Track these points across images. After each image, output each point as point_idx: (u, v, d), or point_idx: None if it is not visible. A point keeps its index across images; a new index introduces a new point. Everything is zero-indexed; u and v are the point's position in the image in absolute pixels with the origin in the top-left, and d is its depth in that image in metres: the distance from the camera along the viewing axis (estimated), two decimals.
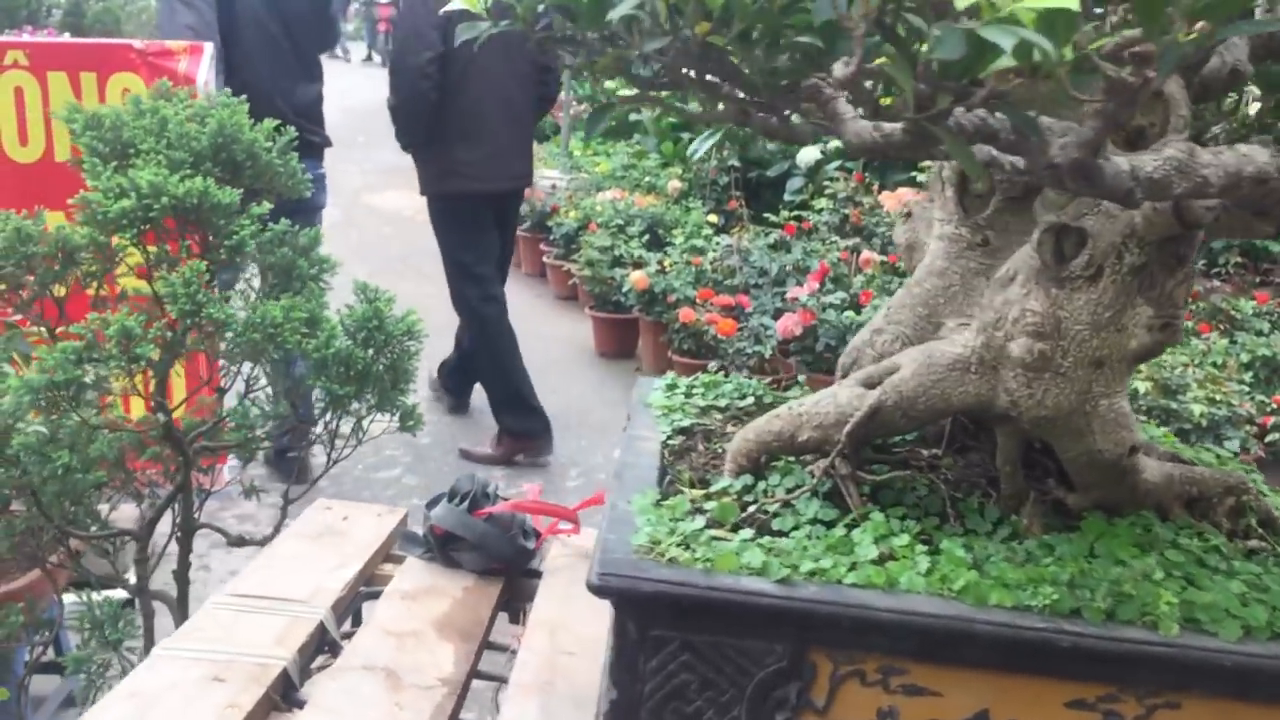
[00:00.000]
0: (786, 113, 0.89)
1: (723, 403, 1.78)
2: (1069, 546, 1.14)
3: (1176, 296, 1.07)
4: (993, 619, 1.02)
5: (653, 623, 1.04)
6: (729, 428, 1.65)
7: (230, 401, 2.36)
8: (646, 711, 1.05)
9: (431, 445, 4.97)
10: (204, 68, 3.48)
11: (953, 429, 1.33)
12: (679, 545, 1.11)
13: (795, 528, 1.21)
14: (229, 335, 1.96)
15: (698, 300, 5.64)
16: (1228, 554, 1.14)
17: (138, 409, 2.35)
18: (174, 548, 2.37)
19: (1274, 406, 4.67)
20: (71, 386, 1.86)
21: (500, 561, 1.70)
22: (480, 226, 4.77)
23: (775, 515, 1.24)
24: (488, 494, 1.74)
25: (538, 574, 1.76)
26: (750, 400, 1.80)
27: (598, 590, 1.03)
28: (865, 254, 5.78)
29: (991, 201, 1.41)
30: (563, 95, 12.68)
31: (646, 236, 6.49)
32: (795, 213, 6.37)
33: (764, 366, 5.50)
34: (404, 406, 2.38)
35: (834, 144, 7.51)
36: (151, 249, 2.05)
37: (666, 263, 5.97)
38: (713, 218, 6.94)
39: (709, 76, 0.92)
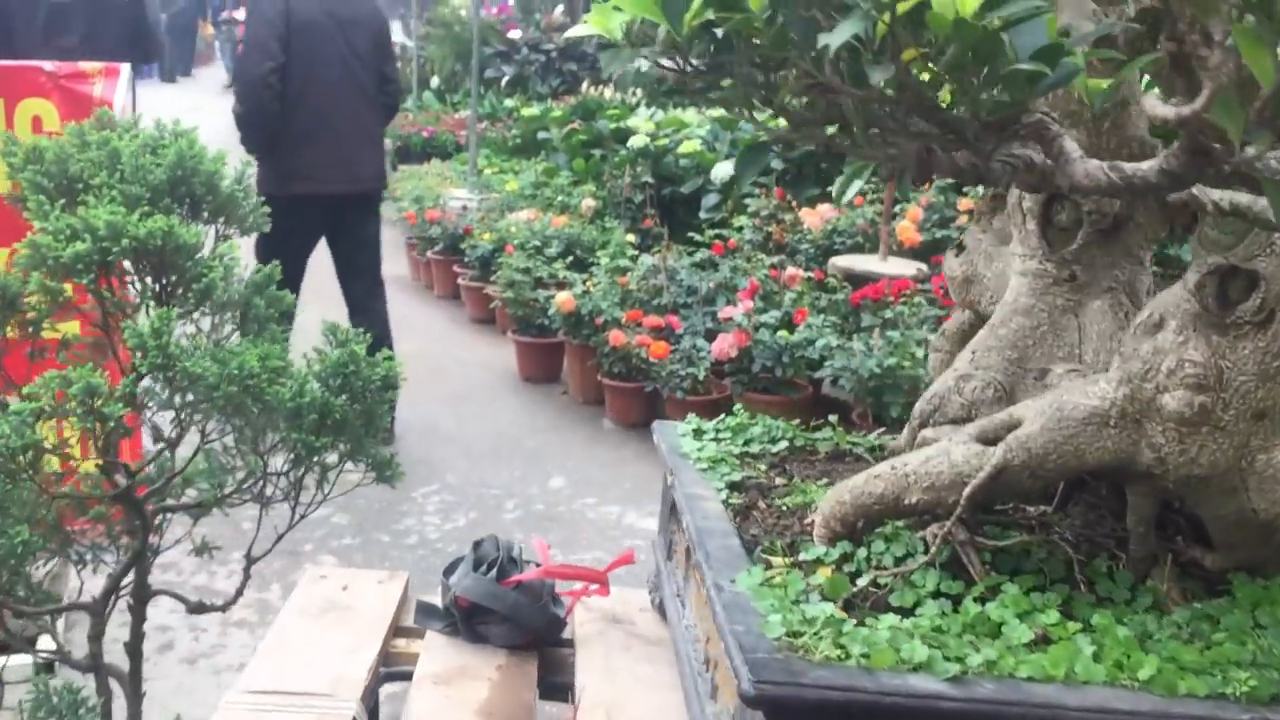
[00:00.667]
0: (991, 150, 0.78)
1: (756, 448, 1.67)
2: (1232, 617, 1.04)
3: None
4: (1190, 712, 0.91)
5: None
6: (777, 480, 1.54)
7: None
8: None
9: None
10: (121, 90, 3.24)
11: (1066, 484, 1.23)
12: (816, 637, 0.98)
13: (917, 603, 1.10)
14: (202, 389, 1.77)
15: (626, 321, 5.52)
16: None
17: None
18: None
19: None
20: (29, 452, 1.66)
21: (534, 634, 1.55)
22: (302, 238, 4.89)
23: (890, 589, 1.12)
24: (514, 559, 1.59)
25: (567, 643, 1.61)
26: (784, 444, 1.69)
27: (754, 701, 0.90)
28: (791, 271, 5.72)
29: (1079, 235, 1.32)
30: (466, 114, 12.45)
31: (570, 258, 6.36)
32: (716, 231, 6.29)
33: (697, 388, 5.40)
34: (379, 456, 2.21)
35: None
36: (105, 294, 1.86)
37: (591, 284, 5.84)
38: (630, 236, 6.83)
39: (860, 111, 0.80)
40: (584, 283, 5.84)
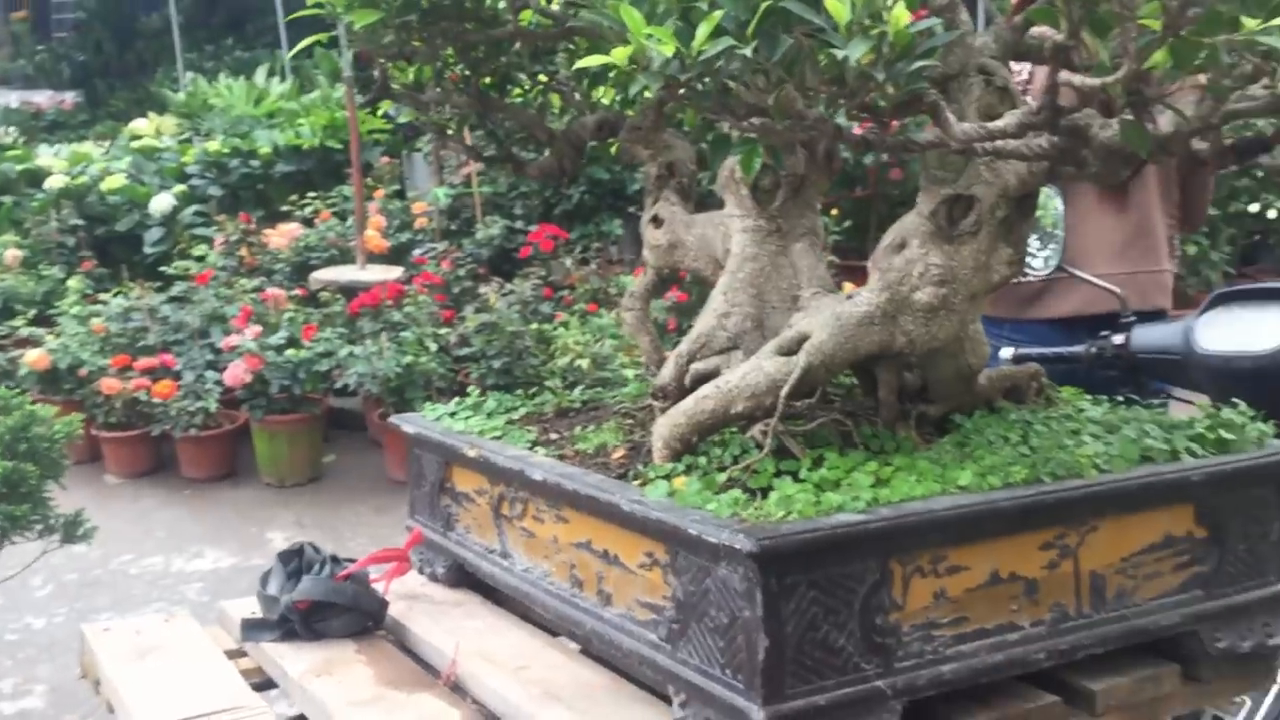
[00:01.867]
0: (894, 123, 1.12)
1: (502, 418, 1.90)
2: (975, 440, 1.49)
3: (1024, 238, 1.46)
4: (1004, 497, 1.34)
5: (787, 571, 1.21)
6: (553, 435, 1.78)
7: None
8: (790, 648, 1.22)
9: None
10: None
11: None
12: (754, 511, 1.28)
13: (769, 483, 1.42)
14: None
15: (115, 368, 5.24)
16: (1066, 421, 1.57)
17: None
18: None
19: None
20: None
21: (370, 619, 1.67)
22: None
23: (744, 480, 1.43)
24: (336, 558, 1.69)
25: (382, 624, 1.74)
26: (521, 410, 1.94)
27: (760, 556, 1.17)
28: (273, 291, 5.75)
29: (779, 195, 1.71)
30: None
31: (32, 314, 5.86)
32: (185, 263, 6.10)
33: (209, 422, 5.28)
34: (65, 517, 2.12)
35: (179, 188, 7.26)
36: None
37: (61, 335, 5.45)
38: (75, 282, 6.39)
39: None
40: (54, 336, 5.44)
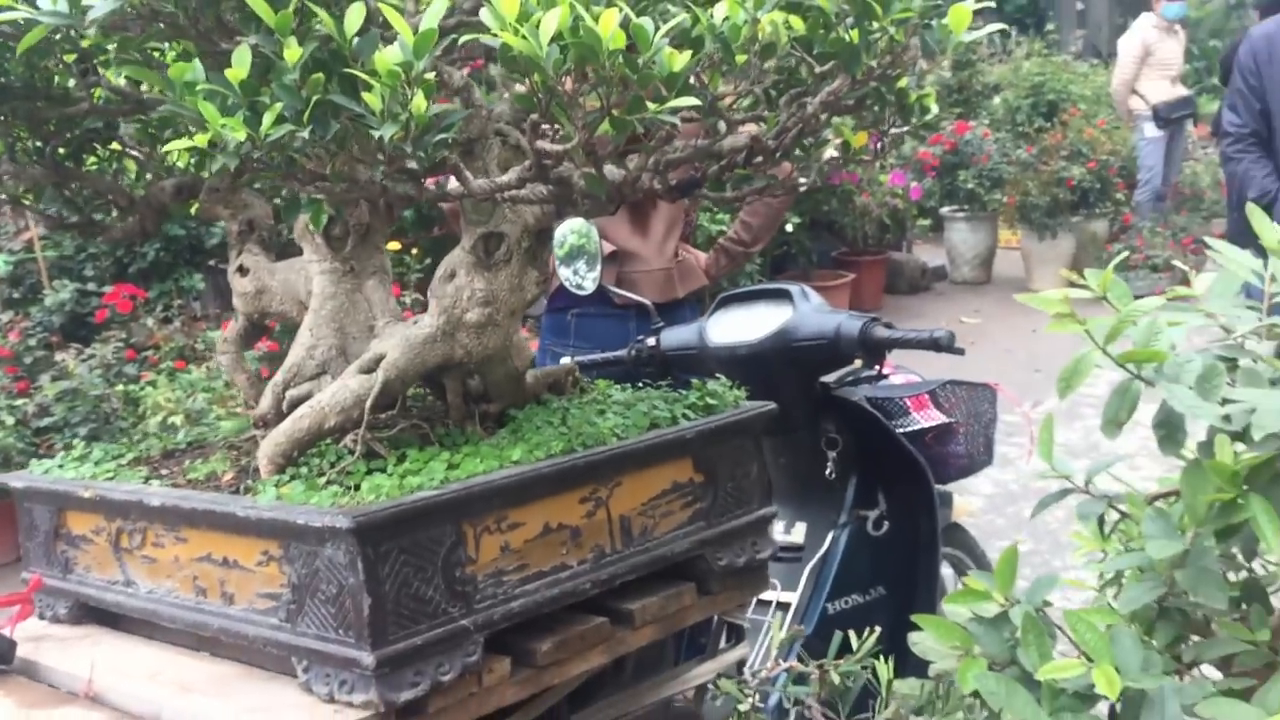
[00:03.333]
0: (427, 181, 1.45)
1: (114, 464, 2.07)
2: (528, 425, 1.86)
3: (547, 263, 1.84)
4: (544, 465, 1.71)
5: (381, 541, 1.51)
6: (163, 471, 1.98)
7: None
8: (390, 603, 1.52)
9: None
10: None
11: None
12: (350, 498, 1.57)
13: (362, 482, 1.72)
14: None
15: None
16: (595, 404, 1.97)
17: None
18: None
19: None
20: None
21: (1, 659, 1.79)
22: None
23: (341, 481, 1.72)
24: None
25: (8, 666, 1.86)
26: (129, 456, 2.11)
27: (357, 530, 1.47)
28: None
29: (349, 241, 2.01)
30: None
31: None
32: None
33: None
34: None
35: None
36: None
37: None
38: None
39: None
40: None
